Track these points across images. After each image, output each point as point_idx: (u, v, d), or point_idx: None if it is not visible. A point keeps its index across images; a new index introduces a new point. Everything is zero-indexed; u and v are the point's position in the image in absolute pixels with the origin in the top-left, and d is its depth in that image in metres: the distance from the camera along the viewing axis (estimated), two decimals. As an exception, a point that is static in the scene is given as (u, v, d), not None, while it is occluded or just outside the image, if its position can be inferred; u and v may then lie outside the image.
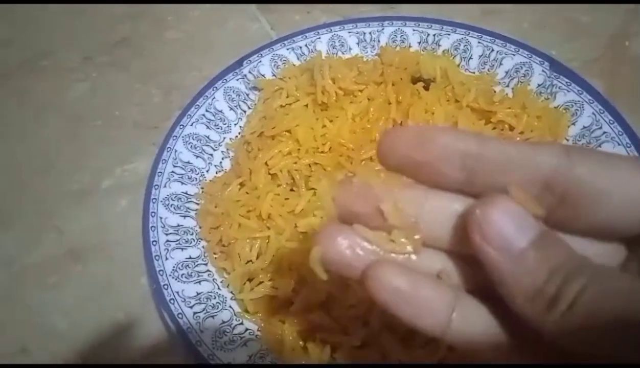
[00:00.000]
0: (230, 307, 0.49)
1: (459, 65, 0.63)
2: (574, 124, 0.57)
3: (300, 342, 0.46)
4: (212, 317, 0.48)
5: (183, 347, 0.46)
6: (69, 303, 0.54)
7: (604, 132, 0.55)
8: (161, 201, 0.53)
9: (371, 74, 0.59)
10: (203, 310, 0.48)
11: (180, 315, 0.47)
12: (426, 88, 0.58)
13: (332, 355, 0.45)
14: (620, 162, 0.23)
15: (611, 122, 0.56)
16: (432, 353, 0.45)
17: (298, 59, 0.64)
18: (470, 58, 0.63)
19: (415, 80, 0.59)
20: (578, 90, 0.58)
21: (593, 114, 0.57)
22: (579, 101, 0.58)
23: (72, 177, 0.62)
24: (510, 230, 0.22)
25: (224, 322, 0.47)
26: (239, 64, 0.63)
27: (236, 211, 0.52)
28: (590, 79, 0.60)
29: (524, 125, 0.55)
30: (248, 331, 0.47)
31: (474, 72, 0.63)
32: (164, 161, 0.55)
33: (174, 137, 0.57)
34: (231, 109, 0.61)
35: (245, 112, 0.61)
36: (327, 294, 0.46)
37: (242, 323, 0.48)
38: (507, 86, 0.61)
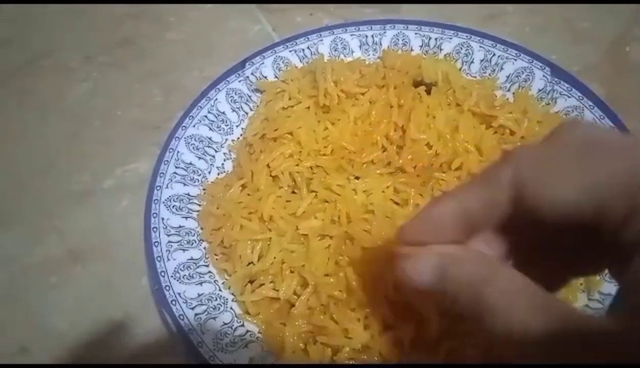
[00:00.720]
0: (231, 308, 0.49)
1: (460, 69, 0.63)
2: (574, 129, 0.57)
3: (301, 345, 0.46)
4: (214, 318, 0.48)
5: (184, 348, 0.46)
6: (69, 304, 0.54)
7: (604, 138, 0.56)
8: (163, 202, 0.53)
9: (373, 77, 0.59)
10: (204, 311, 0.48)
11: (181, 317, 0.47)
12: (428, 92, 0.58)
13: (332, 358, 0.45)
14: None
15: (611, 127, 0.56)
16: (432, 356, 0.45)
17: (300, 61, 0.65)
18: (472, 62, 0.64)
19: (417, 84, 0.60)
20: (579, 96, 0.58)
21: (593, 119, 0.57)
22: (579, 106, 0.58)
23: (73, 177, 0.62)
24: None
25: (225, 324, 0.48)
26: (242, 65, 0.63)
27: (238, 213, 0.52)
28: (591, 84, 0.60)
29: (524, 130, 0.56)
30: (249, 333, 0.48)
31: (475, 77, 0.63)
32: (166, 162, 0.55)
33: (176, 138, 0.57)
34: (233, 110, 0.61)
35: (247, 113, 0.61)
36: (329, 297, 0.46)
37: (243, 325, 0.48)
38: (508, 91, 0.62)
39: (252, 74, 0.62)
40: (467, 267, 0.29)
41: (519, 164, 0.29)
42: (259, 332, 0.48)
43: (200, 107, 0.59)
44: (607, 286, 0.49)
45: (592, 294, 0.49)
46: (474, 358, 0.45)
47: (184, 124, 0.58)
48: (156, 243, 0.50)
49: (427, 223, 0.32)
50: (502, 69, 0.62)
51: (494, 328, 0.26)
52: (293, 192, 0.54)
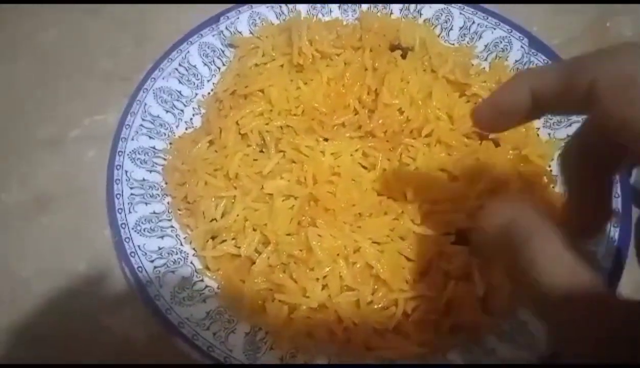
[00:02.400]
0: (191, 263, 0.49)
1: (439, 36, 0.63)
2: (547, 102, 0.57)
3: (259, 302, 0.46)
4: (173, 272, 0.48)
5: (142, 300, 0.46)
6: (32, 251, 0.53)
7: (576, 112, 0.56)
8: (127, 154, 0.52)
9: (349, 38, 0.58)
10: (164, 265, 0.48)
11: (140, 269, 0.47)
12: (403, 56, 0.58)
13: (288, 316, 0.45)
14: None
15: (584, 102, 0.56)
16: (388, 318, 0.46)
17: (277, 18, 0.63)
18: (451, 29, 0.63)
19: (393, 48, 0.59)
20: (554, 69, 0.58)
21: (567, 93, 0.57)
22: (554, 79, 0.58)
23: (41, 124, 0.61)
24: None
25: (184, 278, 0.48)
26: (216, 19, 0.61)
27: (203, 169, 0.52)
28: (568, 56, 0.60)
29: (497, 100, 0.55)
30: (208, 288, 0.48)
31: (453, 44, 0.62)
32: (132, 114, 0.54)
33: (145, 90, 0.56)
34: (205, 64, 0.60)
35: (219, 68, 0.60)
36: (288, 256, 0.47)
37: (202, 280, 0.48)
38: (485, 60, 0.61)
39: (226, 28, 0.61)
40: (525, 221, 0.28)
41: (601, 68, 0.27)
42: (217, 288, 0.48)
43: (171, 59, 0.58)
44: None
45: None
46: (430, 319, 0.46)
47: (153, 76, 0.57)
48: (118, 196, 0.50)
49: (499, 105, 0.32)
50: (480, 37, 0.62)
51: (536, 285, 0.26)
52: (261, 151, 0.54)
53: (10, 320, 0.49)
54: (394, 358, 0.45)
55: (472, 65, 0.60)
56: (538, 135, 0.57)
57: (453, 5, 0.63)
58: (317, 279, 0.46)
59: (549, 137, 0.56)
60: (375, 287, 0.46)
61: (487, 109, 0.32)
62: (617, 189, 0.51)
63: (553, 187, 0.53)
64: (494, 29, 0.61)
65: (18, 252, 0.53)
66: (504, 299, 0.47)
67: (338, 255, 0.46)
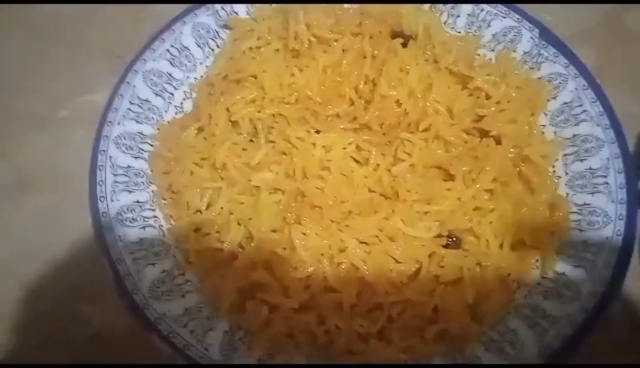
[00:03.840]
0: (173, 255, 0.48)
1: (445, 23, 0.59)
2: (555, 97, 0.54)
3: (240, 299, 0.45)
4: (153, 264, 0.46)
5: (118, 292, 0.44)
6: (13, 232, 0.53)
7: (584, 110, 0.53)
8: (113, 139, 0.51)
9: (349, 23, 0.55)
10: (144, 257, 0.46)
11: (119, 261, 0.45)
12: (404, 44, 0.55)
13: (269, 316, 0.44)
14: None
15: (593, 100, 0.53)
16: (371, 321, 0.44)
17: (276, -1, 0.60)
18: (458, 16, 0.59)
19: (394, 35, 0.56)
20: (565, 63, 0.55)
21: (576, 89, 0.54)
22: (564, 74, 0.55)
23: (30, 102, 0.59)
24: None
25: (164, 271, 0.46)
26: (213, -3, 0.59)
27: (189, 158, 0.50)
28: (581, 48, 0.56)
29: (501, 94, 0.52)
30: (188, 283, 0.46)
31: (459, 32, 0.59)
32: (120, 96, 0.53)
33: (134, 71, 0.54)
34: (199, 46, 0.57)
35: (213, 50, 0.58)
36: (272, 253, 0.45)
37: (183, 274, 0.47)
38: (492, 50, 0.58)
39: (222, 8, 0.58)
40: None
41: None
42: (198, 283, 0.47)
43: (163, 39, 0.56)
44: (561, 265, 0.47)
45: (545, 273, 0.48)
46: (415, 325, 0.45)
47: (143, 57, 0.55)
48: (101, 183, 0.48)
49: None
50: (489, 25, 0.58)
51: None
52: (251, 140, 0.52)
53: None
54: (375, 364, 0.43)
55: (478, 55, 0.57)
56: (543, 133, 0.54)
57: (462, -10, 0.60)
58: (300, 279, 0.44)
59: (555, 135, 0.53)
60: (360, 289, 0.44)
61: None
62: (623, 195, 0.49)
63: (555, 190, 0.51)
64: (504, 17, 0.58)
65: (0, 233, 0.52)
66: (494, 306, 0.46)
67: (323, 255, 0.45)
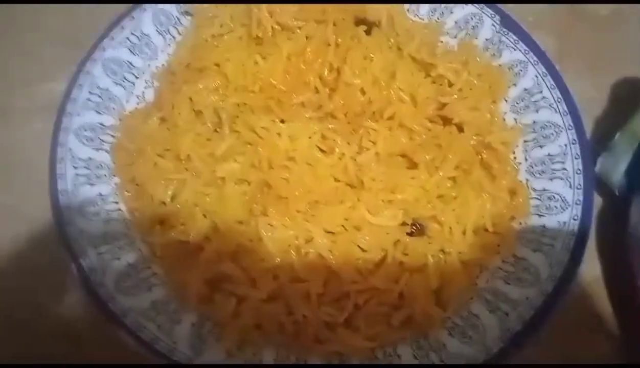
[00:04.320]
0: (138, 249, 0.47)
1: (408, 10, 0.59)
2: (515, 84, 0.55)
3: (207, 292, 0.45)
4: (118, 258, 0.46)
5: (84, 288, 0.44)
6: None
7: (544, 97, 0.54)
8: (73, 131, 0.50)
9: (312, 10, 0.55)
10: (108, 250, 0.46)
11: (83, 255, 0.45)
12: (368, 32, 0.55)
13: (237, 307, 0.44)
14: None
15: (552, 87, 0.54)
16: (338, 310, 0.45)
17: (237, -16, 0.59)
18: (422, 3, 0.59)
19: (358, 22, 0.56)
20: (525, 50, 0.56)
21: (536, 76, 0.55)
22: (523, 61, 0.56)
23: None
24: None
25: (129, 265, 0.46)
26: (173, -17, 0.57)
27: (153, 149, 0.49)
28: (542, 36, 0.57)
29: (463, 82, 0.53)
30: (154, 276, 0.46)
31: (423, 19, 0.59)
32: (79, 86, 0.51)
33: (93, 60, 0.53)
34: (159, 33, 0.56)
35: (174, 38, 0.57)
36: (238, 244, 0.45)
37: (149, 268, 0.47)
38: (455, 37, 0.58)
39: (183, -7, 0.57)
40: None
41: None
42: (165, 276, 0.46)
43: (123, 27, 0.54)
44: (521, 250, 0.49)
45: (506, 257, 0.49)
46: (381, 312, 0.45)
47: (102, 45, 0.53)
48: (61, 176, 0.47)
49: None
50: (451, 12, 0.59)
51: None
52: (215, 131, 0.51)
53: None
54: (343, 352, 0.44)
55: (441, 42, 0.58)
56: (504, 119, 0.55)
57: (424, -23, 0.60)
58: (267, 270, 0.45)
59: (515, 122, 0.55)
60: (327, 278, 0.45)
61: None
62: (580, 180, 0.50)
63: (515, 176, 0.52)
64: (466, 4, 0.58)
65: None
66: (457, 292, 0.47)
67: (289, 245, 0.45)
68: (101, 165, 0.50)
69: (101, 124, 0.51)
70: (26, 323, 0.47)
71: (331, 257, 0.45)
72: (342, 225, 0.47)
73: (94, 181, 0.49)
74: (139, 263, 0.46)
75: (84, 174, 0.48)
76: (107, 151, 0.51)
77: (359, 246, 0.46)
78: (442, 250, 0.47)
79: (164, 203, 0.48)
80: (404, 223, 0.48)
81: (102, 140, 0.51)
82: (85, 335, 0.46)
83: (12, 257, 0.50)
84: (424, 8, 0.59)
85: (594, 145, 0.55)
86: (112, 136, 0.51)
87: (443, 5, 0.59)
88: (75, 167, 0.48)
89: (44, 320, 0.47)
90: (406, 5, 0.59)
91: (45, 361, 0.45)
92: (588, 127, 0.57)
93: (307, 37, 0.54)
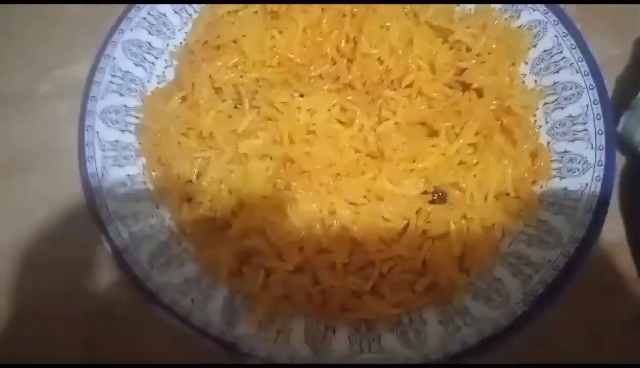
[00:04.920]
0: (168, 226, 0.49)
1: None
2: (534, 46, 0.55)
3: (236, 266, 0.47)
4: (150, 237, 0.48)
5: (119, 268, 0.46)
6: (5, 214, 0.53)
7: (564, 57, 0.53)
8: (98, 114, 0.51)
9: (327, -19, 0.55)
10: (140, 229, 0.48)
11: (116, 236, 0.46)
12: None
13: (265, 280, 0.45)
14: None
15: (572, 46, 0.53)
16: (364, 279, 0.46)
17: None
18: (437, -35, 0.58)
19: (373, -10, 0.55)
20: (544, 10, 0.55)
21: (555, 36, 0.54)
22: (543, 21, 0.55)
23: (9, 78, 0.59)
24: None
25: (161, 243, 0.48)
26: (186, -41, 0.57)
27: (176, 128, 0.50)
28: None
29: (481, 46, 0.53)
30: (185, 253, 0.48)
31: (439, -18, 0.58)
32: (101, 70, 0.52)
33: (112, 43, 0.53)
34: (175, 12, 0.56)
35: (191, 16, 0.57)
36: (264, 219, 0.46)
37: (179, 244, 0.48)
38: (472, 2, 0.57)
39: (197, -29, 0.57)
40: None
41: None
42: (195, 252, 0.48)
43: (139, 8, 0.55)
44: (543, 213, 0.49)
45: (528, 221, 0.49)
46: (405, 279, 0.47)
47: (120, 27, 0.54)
48: (90, 159, 0.49)
49: None
50: (468, -25, 0.58)
51: None
52: (235, 107, 0.52)
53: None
54: (369, 319, 0.45)
55: (459, 6, 0.57)
56: (524, 82, 0.55)
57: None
58: (293, 242, 0.46)
59: (535, 84, 0.54)
60: (352, 248, 0.46)
61: None
62: (602, 141, 0.50)
63: (536, 139, 0.52)
64: (484, -33, 0.57)
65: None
66: (480, 257, 0.48)
67: (314, 218, 0.46)
68: (128, 147, 0.51)
69: (125, 106, 0.52)
70: (64, 303, 0.50)
71: (355, 227, 0.46)
72: (365, 196, 0.47)
73: (121, 162, 0.50)
74: (170, 240, 0.48)
75: (111, 156, 0.50)
76: (132, 132, 0.52)
77: (382, 216, 0.47)
78: (464, 217, 0.48)
79: (190, 181, 0.49)
80: (425, 192, 0.48)
81: (127, 122, 0.52)
82: (123, 311, 0.48)
83: (45, 241, 0.52)
84: (441, -30, 0.58)
85: (616, 104, 0.55)
86: (136, 117, 0.52)
87: (460, -31, 0.58)
88: (102, 150, 0.50)
89: (82, 299, 0.50)
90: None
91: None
92: (610, 86, 0.57)
93: (322, 9, 0.54)
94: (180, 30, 0.56)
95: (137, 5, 0.55)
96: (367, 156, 0.49)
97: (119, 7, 0.56)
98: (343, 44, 0.53)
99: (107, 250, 0.46)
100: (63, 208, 0.52)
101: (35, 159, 0.55)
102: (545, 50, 0.54)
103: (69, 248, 0.51)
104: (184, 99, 0.53)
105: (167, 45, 0.56)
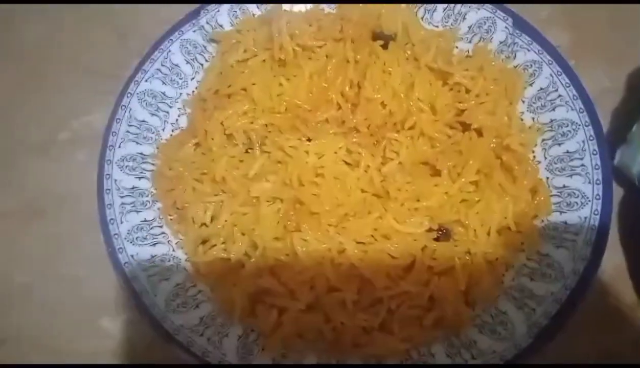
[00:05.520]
0: (184, 268, 0.51)
1: (422, 18, 0.61)
2: (531, 84, 0.57)
3: (250, 305, 0.48)
4: (167, 279, 0.50)
5: (138, 309, 0.48)
6: (29, 258, 0.56)
7: (559, 96, 0.56)
8: (116, 162, 0.53)
9: (330, 30, 0.58)
10: (157, 273, 0.50)
11: (134, 279, 0.49)
12: (385, 46, 0.57)
13: (278, 318, 0.47)
14: None
15: (567, 85, 0.56)
16: (373, 315, 0.48)
17: (258, 7, 0.62)
18: (435, 10, 0.61)
19: (375, 37, 0.58)
20: (538, 50, 0.57)
21: (551, 75, 0.56)
22: (538, 61, 0.57)
23: (28, 129, 0.62)
24: None
25: (177, 285, 0.50)
26: (197, 13, 0.60)
27: (190, 174, 0.53)
28: (555, 32, 0.59)
29: (479, 88, 0.55)
30: (200, 293, 0.50)
31: (437, 26, 0.61)
32: (118, 120, 0.55)
33: (129, 94, 0.56)
34: (187, 62, 0.60)
35: (202, 65, 0.60)
36: (276, 260, 0.48)
37: (195, 285, 0.50)
38: (470, 42, 0.60)
39: (207, 22, 0.60)
40: None
41: None
42: (210, 292, 0.50)
43: (153, 59, 0.58)
44: (544, 247, 0.51)
45: (530, 255, 0.51)
46: (413, 315, 0.48)
47: (136, 79, 0.57)
48: (109, 206, 0.51)
49: None
50: (464, 18, 0.60)
51: None
52: (246, 152, 0.54)
53: (9, 324, 0.52)
54: (380, 355, 0.47)
55: (457, 48, 0.60)
56: (522, 120, 0.57)
57: (436, -16, 0.62)
58: (304, 282, 0.48)
59: (533, 121, 0.56)
60: (361, 286, 0.48)
61: None
62: (599, 175, 0.52)
63: (536, 175, 0.54)
64: (478, 9, 0.60)
65: (14, 259, 0.56)
66: (485, 290, 0.49)
67: (323, 257, 0.48)
68: (144, 193, 0.53)
69: (141, 154, 0.55)
70: (87, 345, 0.52)
71: (363, 265, 0.48)
72: (372, 235, 0.49)
73: (139, 208, 0.52)
74: (185, 282, 0.50)
75: (129, 202, 0.52)
76: (148, 179, 0.54)
77: (388, 254, 0.49)
78: (468, 252, 0.50)
79: (204, 224, 0.51)
80: (430, 229, 0.50)
81: (143, 169, 0.54)
82: (142, 351, 0.50)
83: (68, 283, 0.54)
84: (438, 15, 0.61)
85: (612, 137, 0.57)
86: (152, 164, 0.55)
87: (456, 11, 0.60)
88: (121, 196, 0.52)
89: (103, 339, 0.52)
90: (420, 13, 0.61)
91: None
92: (605, 119, 0.59)
93: (327, 56, 0.57)
94: (192, 79, 0.59)
95: (152, 56, 0.58)
96: (373, 196, 0.52)
97: (132, 54, 0.59)
98: (347, 89, 0.55)
99: (125, 292, 0.48)
100: (83, 252, 0.54)
101: (54, 205, 0.58)
102: (541, 89, 0.57)
103: (89, 289, 0.53)
104: (197, 145, 0.55)
105: (180, 94, 0.59)
